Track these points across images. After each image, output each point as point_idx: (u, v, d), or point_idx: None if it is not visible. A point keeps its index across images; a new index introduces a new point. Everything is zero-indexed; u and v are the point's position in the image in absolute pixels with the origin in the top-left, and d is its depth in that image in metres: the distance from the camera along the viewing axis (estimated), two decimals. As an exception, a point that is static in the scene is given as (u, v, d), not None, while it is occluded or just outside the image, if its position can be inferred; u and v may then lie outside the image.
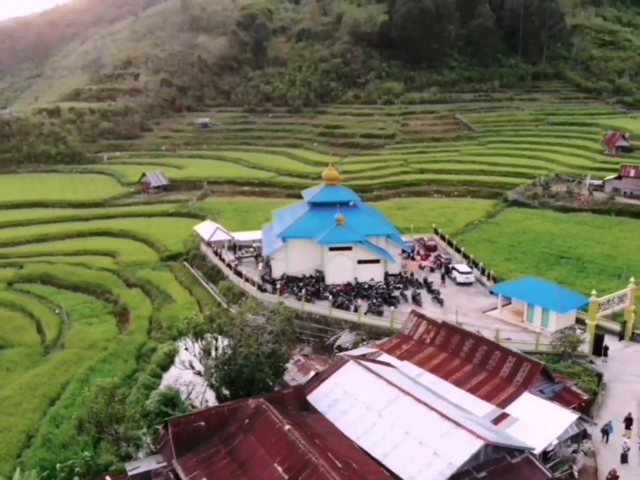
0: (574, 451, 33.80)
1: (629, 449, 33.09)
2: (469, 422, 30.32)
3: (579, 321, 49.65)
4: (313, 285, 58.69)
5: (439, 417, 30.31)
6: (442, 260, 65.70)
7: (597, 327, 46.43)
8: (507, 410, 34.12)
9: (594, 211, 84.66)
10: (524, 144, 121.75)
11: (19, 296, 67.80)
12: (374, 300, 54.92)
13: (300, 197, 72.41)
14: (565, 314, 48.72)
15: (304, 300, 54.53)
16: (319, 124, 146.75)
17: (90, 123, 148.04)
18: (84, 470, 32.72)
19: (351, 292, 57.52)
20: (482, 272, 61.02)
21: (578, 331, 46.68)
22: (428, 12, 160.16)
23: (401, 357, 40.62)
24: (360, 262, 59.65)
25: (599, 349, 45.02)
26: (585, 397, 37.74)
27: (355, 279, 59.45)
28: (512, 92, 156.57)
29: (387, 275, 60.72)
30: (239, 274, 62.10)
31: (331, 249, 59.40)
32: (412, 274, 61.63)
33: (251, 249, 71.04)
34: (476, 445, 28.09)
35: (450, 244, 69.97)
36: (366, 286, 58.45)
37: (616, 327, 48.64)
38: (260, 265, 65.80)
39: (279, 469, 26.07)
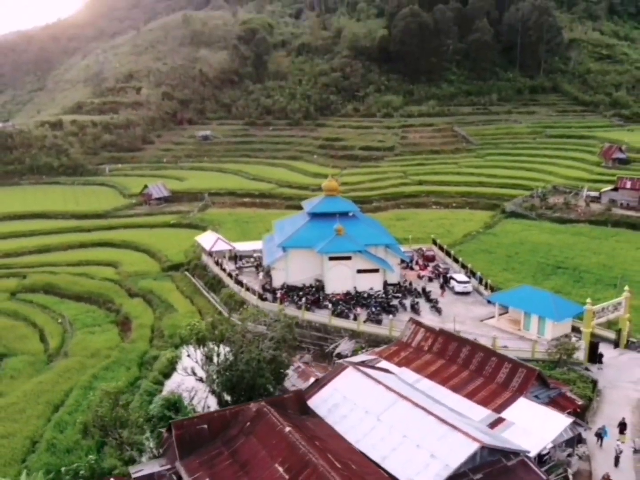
0: (569, 455, 34.46)
1: (621, 452, 33.79)
2: (466, 426, 31.03)
3: (575, 329, 50.33)
4: (313, 294, 59.51)
5: (436, 420, 30.96)
6: (440, 270, 66.58)
7: (593, 335, 47.19)
8: (503, 414, 34.81)
9: (590, 222, 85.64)
10: (521, 156, 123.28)
11: (22, 306, 68.69)
12: (373, 309, 55.74)
13: (300, 208, 73.44)
14: (561, 322, 49.46)
15: (304, 309, 55.34)
16: (318, 136, 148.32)
17: (93, 135, 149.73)
18: (88, 473, 33.38)
19: (350, 301, 58.37)
20: (480, 282, 61.87)
21: (573, 339, 47.44)
22: (426, 27, 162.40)
23: (399, 364, 41.33)
24: (359, 271, 60.55)
25: (594, 357, 45.75)
26: (580, 402, 38.45)
27: (355, 288, 60.31)
28: (510, 105, 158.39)
29: (386, 284, 61.54)
30: (239, 283, 62.95)
31: (331, 258, 60.33)
32: (410, 284, 62.49)
33: (252, 259, 71.99)
34: (472, 447, 28.77)
35: (448, 254, 70.88)
36: (365, 295, 59.27)
37: (611, 335, 49.42)
38: (261, 274, 66.72)
39: (280, 469, 26.76)
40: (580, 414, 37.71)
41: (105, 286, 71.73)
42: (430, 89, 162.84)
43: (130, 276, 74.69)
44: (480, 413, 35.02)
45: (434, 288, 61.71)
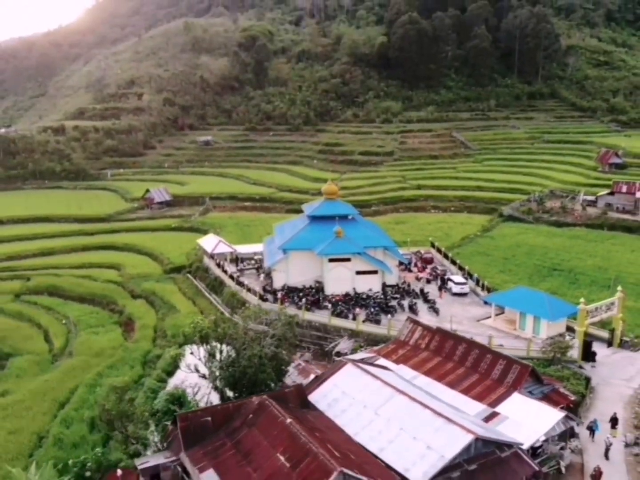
0: (562, 448, 35.44)
1: (611, 444, 34.82)
2: (461, 419, 32.10)
3: (570, 329, 51.33)
4: (313, 295, 60.47)
5: (432, 413, 32.00)
6: (438, 272, 67.69)
7: (586, 334, 48.22)
8: (498, 409, 35.82)
9: (587, 226, 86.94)
10: (519, 161, 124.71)
11: (27, 307, 69.73)
12: (372, 310, 56.73)
13: (300, 212, 74.58)
14: (556, 321, 50.51)
15: (304, 309, 56.36)
16: (318, 141, 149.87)
17: (95, 141, 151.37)
18: (95, 466, 34.31)
19: (350, 301, 59.35)
20: (477, 283, 62.97)
21: (567, 337, 48.47)
22: (425, 34, 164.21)
23: (397, 361, 42.36)
24: (358, 273, 61.57)
25: (588, 355, 46.79)
26: (572, 398, 39.43)
27: (354, 289, 61.33)
28: (508, 111, 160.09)
29: (384, 285, 62.55)
30: (240, 284, 64.06)
31: (330, 260, 61.39)
32: (408, 285, 63.54)
33: (252, 261, 73.12)
34: (467, 439, 29.80)
35: (446, 256, 71.99)
36: (364, 296, 60.20)
37: (605, 334, 50.55)
38: (262, 276, 67.83)
39: (282, 458, 27.82)
40: (573, 410, 38.67)
41: (108, 288, 72.82)
42: (429, 95, 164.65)
43: (133, 278, 75.79)
44: (476, 408, 36.01)
45: (431, 289, 62.75)
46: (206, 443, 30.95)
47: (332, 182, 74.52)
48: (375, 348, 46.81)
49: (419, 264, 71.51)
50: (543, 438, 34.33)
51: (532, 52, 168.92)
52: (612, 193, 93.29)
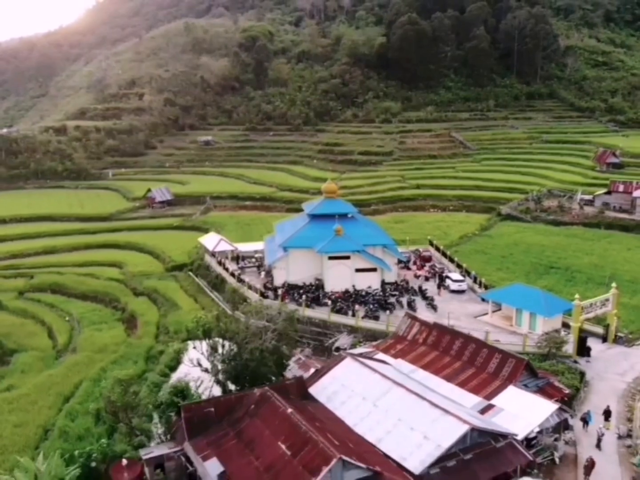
0: (555, 440, 36.35)
1: (603, 434, 35.78)
2: (457, 410, 33.02)
3: (565, 325, 52.20)
4: (313, 292, 61.41)
5: (429, 405, 32.92)
6: (436, 269, 68.59)
7: (581, 329, 49.13)
8: (493, 401, 36.73)
9: (584, 225, 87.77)
10: (518, 161, 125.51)
11: (30, 304, 70.63)
12: (371, 306, 57.69)
13: (300, 211, 75.48)
14: (552, 318, 51.39)
15: (304, 306, 57.25)
16: (318, 141, 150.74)
17: (96, 141, 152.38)
18: (100, 457, 35.15)
19: (349, 298, 60.30)
20: (475, 281, 63.88)
21: (562, 333, 49.36)
22: (424, 35, 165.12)
23: (395, 356, 43.28)
24: (358, 270, 62.51)
25: (583, 350, 47.71)
26: (567, 391, 40.31)
27: (353, 286, 62.22)
28: (507, 111, 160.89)
29: (383, 283, 63.45)
30: (242, 282, 64.97)
31: (330, 258, 62.30)
32: (407, 282, 64.44)
33: (253, 259, 74.06)
34: (463, 429, 30.75)
35: (444, 254, 72.89)
36: (363, 293, 61.19)
37: (600, 330, 51.47)
38: (263, 274, 68.76)
39: (283, 446, 28.74)
40: (568, 403, 39.57)
41: (110, 286, 73.73)
42: (428, 95, 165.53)
43: (135, 276, 76.70)
44: (472, 400, 36.92)
45: (430, 287, 63.67)
46: (209, 433, 31.89)
47: (332, 181, 75.42)
48: (374, 343, 47.74)
49: (418, 262, 72.40)
50: (537, 429, 35.23)
51: (530, 52, 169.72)
52: (609, 192, 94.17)
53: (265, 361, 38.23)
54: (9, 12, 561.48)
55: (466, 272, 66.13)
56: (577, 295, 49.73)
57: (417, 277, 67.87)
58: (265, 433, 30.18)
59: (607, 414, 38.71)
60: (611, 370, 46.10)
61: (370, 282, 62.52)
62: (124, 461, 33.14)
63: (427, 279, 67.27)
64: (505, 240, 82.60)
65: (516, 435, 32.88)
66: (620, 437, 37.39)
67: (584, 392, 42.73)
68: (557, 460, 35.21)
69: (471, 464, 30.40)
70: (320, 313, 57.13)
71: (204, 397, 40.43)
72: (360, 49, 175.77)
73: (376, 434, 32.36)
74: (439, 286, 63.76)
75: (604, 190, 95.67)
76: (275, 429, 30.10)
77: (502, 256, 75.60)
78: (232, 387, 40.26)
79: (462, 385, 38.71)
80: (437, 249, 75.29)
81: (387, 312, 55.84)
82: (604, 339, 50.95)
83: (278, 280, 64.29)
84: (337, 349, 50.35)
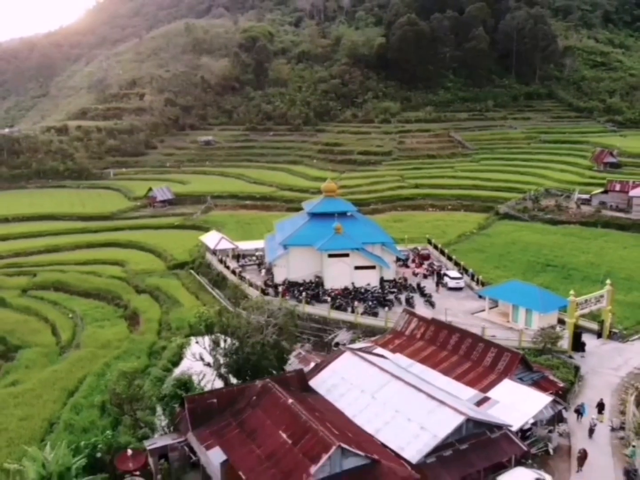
0: (550, 431, 37.26)
1: (595, 425, 36.75)
2: (453, 402, 33.92)
3: (561, 322, 53.04)
4: (313, 290, 62.28)
5: (426, 397, 33.83)
6: (435, 267, 69.49)
7: (577, 325, 50.01)
8: (489, 394, 37.62)
9: (581, 223, 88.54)
10: (516, 161, 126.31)
11: (34, 302, 71.44)
12: (370, 303, 58.58)
13: (300, 210, 76.37)
14: (547, 314, 52.24)
15: (304, 303, 58.14)
16: (318, 141, 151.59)
17: (97, 140, 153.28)
18: (105, 448, 36.05)
19: (348, 295, 61.17)
20: (472, 278, 64.78)
21: (558, 328, 50.23)
22: (424, 35, 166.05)
23: (394, 350, 44.19)
24: (357, 268, 63.40)
25: (578, 345, 48.61)
26: (561, 385, 41.14)
27: (353, 283, 63.10)
28: (506, 112, 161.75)
29: (382, 280, 64.31)
30: (242, 279, 65.87)
31: (330, 255, 63.19)
32: (405, 280, 65.33)
33: (254, 257, 75.00)
34: (458, 419, 31.68)
35: (442, 252, 73.77)
36: (363, 290, 62.04)
37: (595, 326, 52.37)
38: (263, 271, 69.70)
39: (284, 435, 29.66)
40: (562, 396, 40.41)
41: (113, 283, 74.58)
42: (427, 96, 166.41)
43: (137, 274, 77.53)
44: (468, 393, 37.80)
45: (428, 284, 64.55)
46: (212, 423, 32.77)
47: (331, 180, 76.33)
48: (373, 339, 48.66)
49: (417, 260, 73.29)
50: (532, 421, 36.15)
51: (529, 53, 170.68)
52: (606, 192, 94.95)
53: (267, 355, 39.14)
54: (10, 13, 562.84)
55: (464, 270, 67.02)
56: (572, 292, 50.63)
57: (415, 274, 68.72)
58: (267, 423, 31.07)
59: (600, 406, 39.65)
60: (605, 365, 47.00)
61: (369, 280, 63.39)
62: (129, 451, 34.04)
63: (425, 276, 68.12)
64: (503, 238, 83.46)
65: (511, 426, 33.76)
66: (613, 429, 38.30)
67: (578, 386, 43.63)
68: (551, 451, 36.10)
69: (467, 454, 31.29)
70: (320, 310, 58.02)
71: (206, 390, 41.39)
72: (359, 49, 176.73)
73: (374, 424, 33.24)
74: (437, 284, 64.62)
75: (601, 189, 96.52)
76: (276, 418, 31.00)
77: (500, 254, 76.47)
78: (234, 380, 41.13)
79: (458, 378, 39.59)
80: (436, 247, 76.16)
81: (386, 308, 56.74)
82: (599, 334, 51.83)
83: (278, 278, 65.17)
84: (337, 345, 51.24)
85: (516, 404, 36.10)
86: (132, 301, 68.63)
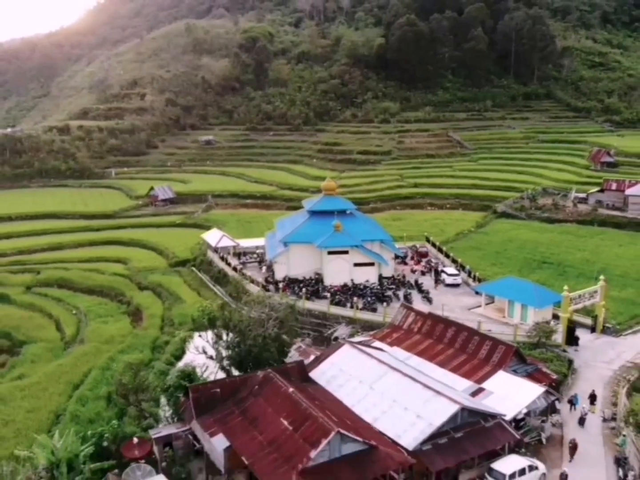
0: (543, 422, 38.37)
1: (586, 413, 37.91)
2: (449, 392, 35.07)
3: (556, 317, 54.12)
4: (313, 286, 63.42)
5: (422, 387, 35.01)
6: (432, 264, 70.65)
7: (571, 320, 51.12)
8: (484, 385, 38.77)
9: (578, 222, 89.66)
10: (514, 160, 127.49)
11: (38, 298, 72.23)
12: (369, 299, 59.73)
13: (300, 209, 77.42)
14: (542, 309, 53.33)
15: (304, 299, 59.26)
16: (318, 141, 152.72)
17: (99, 140, 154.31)
18: (112, 437, 37.15)
19: (348, 291, 62.32)
20: (469, 275, 65.92)
21: (552, 323, 51.35)
22: (423, 36, 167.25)
23: (391, 344, 45.32)
24: (356, 264, 64.62)
25: (571, 339, 49.73)
26: (554, 377, 42.25)
27: (352, 280, 64.29)
28: (504, 112, 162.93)
29: (381, 277, 65.55)
30: (243, 276, 66.98)
31: (329, 252, 64.40)
32: (404, 276, 66.48)
33: (255, 255, 76.16)
34: (453, 408, 32.85)
35: (440, 250, 74.91)
36: (362, 287, 63.20)
37: (588, 321, 53.51)
38: (264, 268, 70.84)
39: (285, 422, 30.82)
40: (556, 388, 41.57)
41: (116, 280, 75.56)
42: (427, 96, 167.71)
43: (140, 271, 78.52)
44: (463, 384, 38.91)
45: (426, 281, 65.68)
46: (216, 412, 33.92)
47: (331, 179, 77.48)
48: (371, 333, 49.79)
49: (415, 258, 74.42)
50: (525, 411, 37.27)
51: (527, 53, 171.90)
52: (602, 190, 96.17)
53: (268, 347, 40.27)
54: (10, 13, 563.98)
55: (461, 267, 68.15)
56: (565, 287, 51.71)
57: (413, 271, 69.88)
58: (268, 411, 32.23)
59: (592, 398, 40.79)
60: (599, 359, 48.14)
61: (368, 276, 64.56)
62: (135, 440, 35.13)
63: (423, 273, 69.30)
64: (500, 237, 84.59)
65: (504, 415, 34.92)
66: (605, 420, 39.41)
67: (571, 379, 44.76)
68: (544, 440, 37.19)
69: (461, 442, 32.43)
70: (319, 305, 59.16)
71: (209, 382, 42.55)
72: (359, 49, 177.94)
73: (372, 414, 34.40)
74: (436, 281, 65.71)
75: (597, 188, 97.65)
76: (277, 406, 32.17)
77: (497, 252, 77.60)
78: (236, 372, 42.26)
79: (454, 370, 40.72)
80: (434, 245, 77.33)
81: (384, 304, 57.87)
82: (593, 329, 52.97)
83: (279, 275, 66.32)
84: (336, 339, 52.36)
85: (510, 394, 37.21)
86: (135, 298, 69.63)
